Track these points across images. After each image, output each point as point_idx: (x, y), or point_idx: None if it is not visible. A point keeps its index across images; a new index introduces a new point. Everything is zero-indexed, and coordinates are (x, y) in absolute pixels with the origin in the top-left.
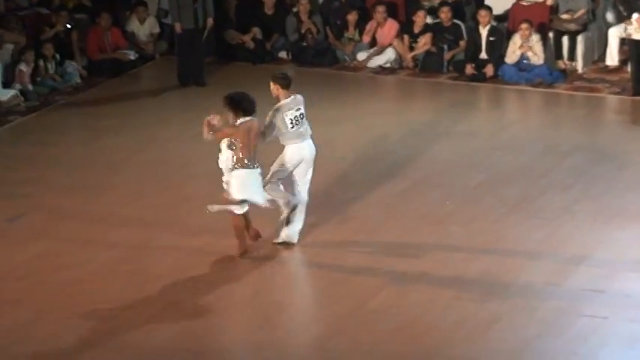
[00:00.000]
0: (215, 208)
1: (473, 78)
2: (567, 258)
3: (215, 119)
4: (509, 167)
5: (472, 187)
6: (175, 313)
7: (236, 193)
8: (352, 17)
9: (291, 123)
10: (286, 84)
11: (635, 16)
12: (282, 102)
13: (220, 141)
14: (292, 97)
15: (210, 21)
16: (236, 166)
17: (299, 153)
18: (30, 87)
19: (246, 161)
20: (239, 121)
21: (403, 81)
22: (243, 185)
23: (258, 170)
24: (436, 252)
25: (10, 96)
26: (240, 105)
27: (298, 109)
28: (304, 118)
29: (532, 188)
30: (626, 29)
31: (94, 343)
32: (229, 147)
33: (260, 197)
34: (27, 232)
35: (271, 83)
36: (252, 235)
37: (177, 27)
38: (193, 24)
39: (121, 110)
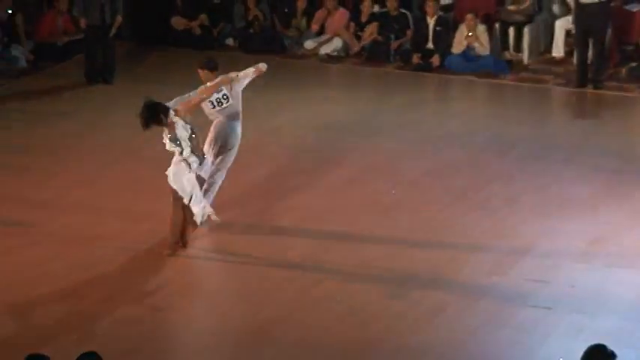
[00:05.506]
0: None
1: (419, 68)
2: (512, 249)
3: None
4: (454, 157)
5: (418, 176)
6: (120, 299)
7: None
8: (300, 4)
9: (212, 105)
10: (211, 67)
11: None
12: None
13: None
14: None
15: (118, 18)
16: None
17: (222, 129)
18: None
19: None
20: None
21: (350, 70)
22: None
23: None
24: (381, 241)
25: None
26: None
27: (220, 91)
28: (228, 99)
29: (477, 178)
30: None
31: (39, 328)
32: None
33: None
34: None
35: (199, 70)
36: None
37: (82, 22)
38: (100, 21)
39: (67, 95)
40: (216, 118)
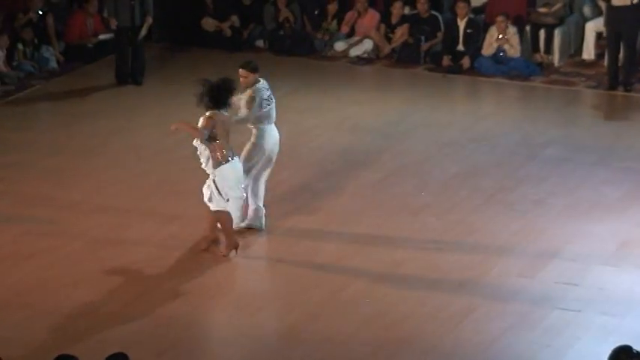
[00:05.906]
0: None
1: (449, 70)
2: (541, 251)
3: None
4: (484, 159)
5: (448, 178)
6: (149, 300)
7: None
8: (332, 8)
9: (261, 105)
10: (251, 68)
11: None
12: (257, 85)
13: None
14: (262, 80)
15: (149, 19)
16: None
17: (272, 135)
18: (5, 71)
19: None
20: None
21: (380, 71)
22: (237, 179)
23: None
24: (411, 243)
25: None
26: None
27: (267, 89)
28: (272, 101)
29: (507, 180)
30: None
31: (66, 330)
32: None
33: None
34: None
35: (240, 69)
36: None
37: (112, 22)
38: (130, 22)
39: (97, 96)
40: (258, 125)
